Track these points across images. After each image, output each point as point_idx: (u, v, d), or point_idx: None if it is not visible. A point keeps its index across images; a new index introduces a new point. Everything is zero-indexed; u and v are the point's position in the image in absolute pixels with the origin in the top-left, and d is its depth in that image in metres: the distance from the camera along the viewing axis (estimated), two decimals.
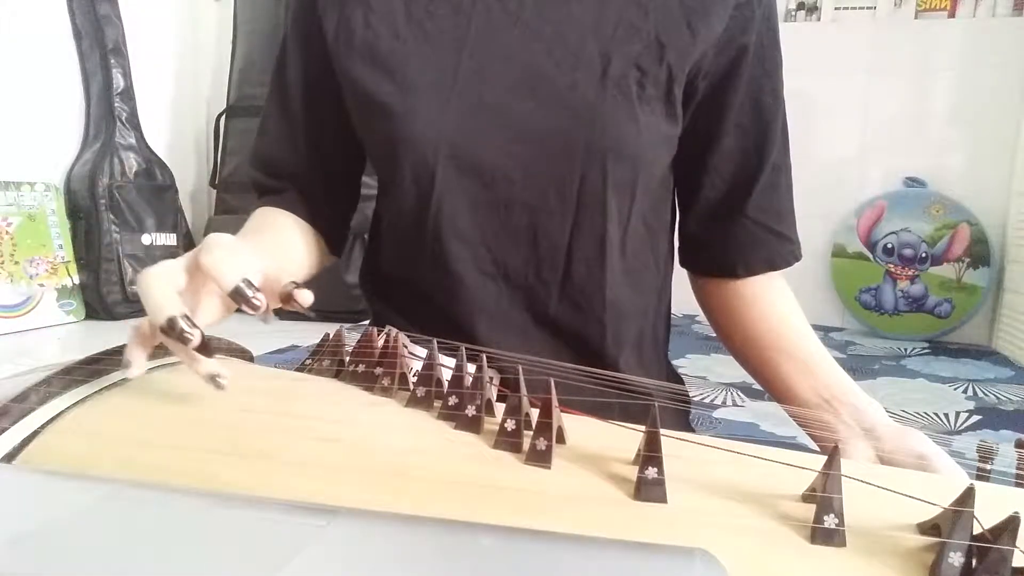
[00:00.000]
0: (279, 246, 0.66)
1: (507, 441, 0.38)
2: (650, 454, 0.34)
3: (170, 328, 0.41)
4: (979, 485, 0.30)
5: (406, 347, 0.51)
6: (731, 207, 0.67)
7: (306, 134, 0.70)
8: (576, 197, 0.61)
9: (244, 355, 0.61)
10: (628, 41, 0.60)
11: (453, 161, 0.60)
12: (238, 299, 0.43)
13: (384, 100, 0.61)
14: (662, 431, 0.34)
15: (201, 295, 0.46)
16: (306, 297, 0.45)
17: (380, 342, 0.51)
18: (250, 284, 0.43)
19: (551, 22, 0.61)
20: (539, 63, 0.60)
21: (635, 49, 0.60)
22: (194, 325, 0.41)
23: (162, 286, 0.43)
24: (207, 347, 0.42)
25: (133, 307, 2.36)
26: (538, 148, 0.60)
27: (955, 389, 1.95)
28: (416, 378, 0.46)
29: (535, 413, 0.38)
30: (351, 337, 0.57)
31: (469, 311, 0.63)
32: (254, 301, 0.42)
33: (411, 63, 0.62)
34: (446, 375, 0.45)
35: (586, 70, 0.60)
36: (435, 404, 0.44)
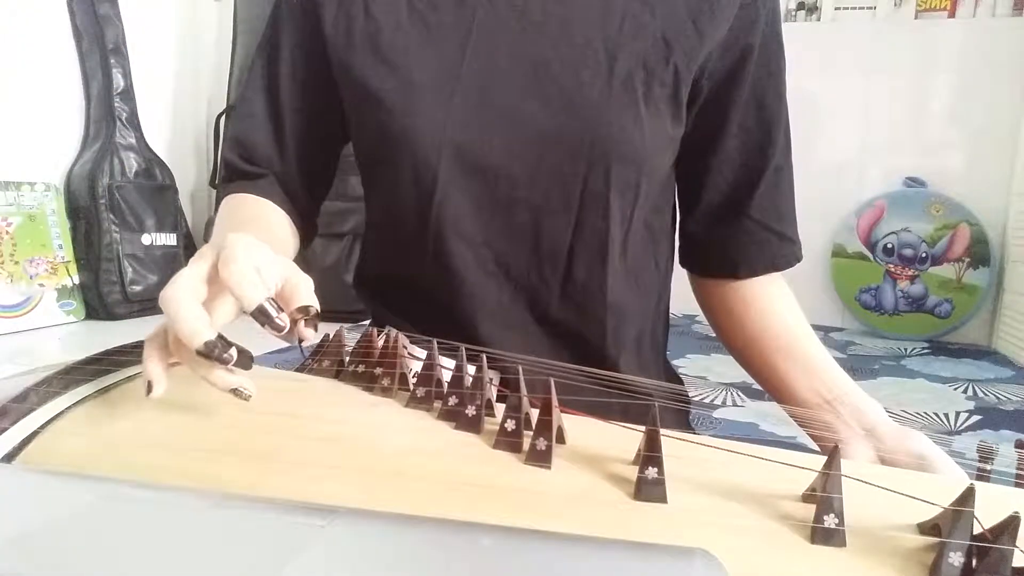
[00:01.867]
0: (279, 242, 0.64)
1: (507, 441, 0.38)
2: (650, 454, 0.34)
3: (208, 352, 0.39)
4: (979, 485, 0.30)
5: (406, 348, 0.51)
6: (733, 208, 0.67)
7: (292, 124, 0.68)
8: (579, 198, 0.60)
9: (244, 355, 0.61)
10: (634, 39, 0.60)
11: (456, 159, 0.60)
12: (261, 319, 0.40)
13: (385, 95, 0.61)
14: (662, 431, 0.34)
15: (217, 300, 0.44)
16: (310, 334, 0.44)
17: (380, 342, 0.51)
18: (274, 303, 0.41)
19: (556, 16, 0.61)
20: (544, 60, 0.60)
21: (641, 48, 0.60)
22: (230, 344, 0.40)
23: (191, 306, 0.40)
24: (245, 357, 0.41)
25: (133, 307, 2.36)
26: (542, 148, 0.60)
27: (955, 389, 1.95)
28: (416, 378, 0.46)
29: (535, 413, 0.38)
30: (351, 337, 0.57)
31: (471, 310, 0.62)
32: (278, 322, 0.40)
33: (413, 57, 0.61)
34: (446, 375, 0.45)
35: (592, 68, 0.59)
36: (435, 404, 0.44)
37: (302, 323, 0.43)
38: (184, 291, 0.41)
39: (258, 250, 0.43)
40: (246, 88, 0.70)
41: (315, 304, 0.43)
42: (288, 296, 0.43)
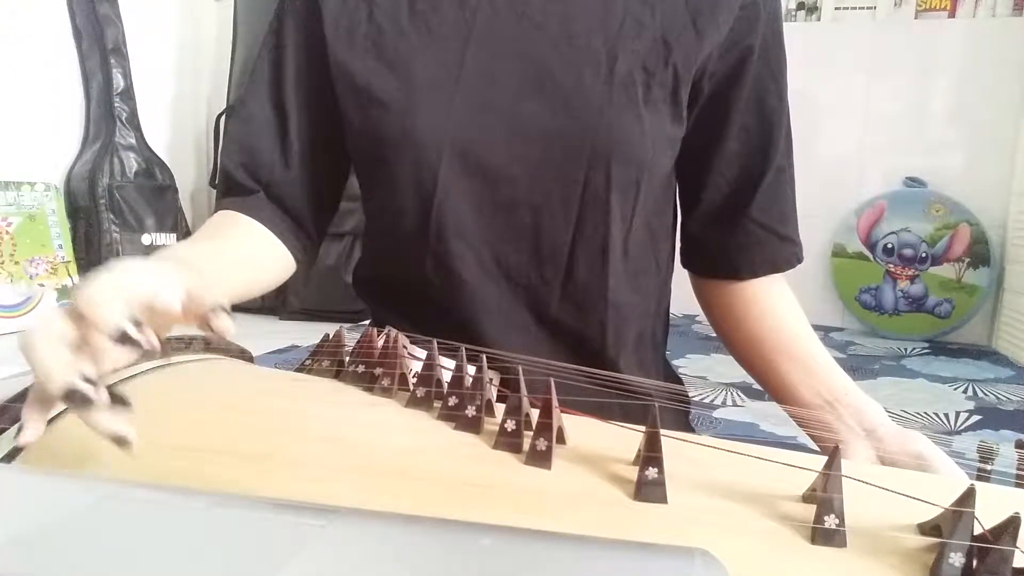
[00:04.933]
0: (225, 253, 0.60)
1: (507, 441, 0.38)
2: (650, 454, 0.34)
3: (68, 398, 0.35)
4: (979, 485, 0.30)
5: (406, 348, 0.51)
6: (734, 209, 0.67)
7: (297, 126, 0.66)
8: (579, 198, 0.60)
9: (244, 355, 0.61)
10: (634, 39, 0.60)
11: (457, 160, 0.60)
12: (124, 343, 0.36)
13: (385, 96, 0.60)
14: (662, 431, 0.34)
15: (97, 339, 0.37)
16: (225, 325, 0.39)
17: (380, 342, 0.51)
18: (138, 323, 0.36)
19: (556, 17, 0.61)
20: (545, 60, 0.60)
21: (641, 48, 0.60)
22: (92, 383, 0.35)
23: (48, 345, 0.36)
24: (121, 399, 0.36)
25: None
26: (542, 149, 0.60)
27: (955, 389, 1.95)
28: (416, 379, 0.46)
29: (535, 413, 0.38)
30: (351, 337, 0.57)
31: (471, 311, 0.62)
32: (142, 343, 0.36)
33: (414, 58, 0.61)
34: (446, 376, 0.45)
35: (592, 69, 0.59)
36: (435, 404, 0.44)
37: (219, 316, 0.39)
38: (40, 332, 0.36)
39: (134, 267, 0.40)
40: (247, 91, 0.68)
41: (222, 302, 0.40)
42: (195, 303, 0.40)
